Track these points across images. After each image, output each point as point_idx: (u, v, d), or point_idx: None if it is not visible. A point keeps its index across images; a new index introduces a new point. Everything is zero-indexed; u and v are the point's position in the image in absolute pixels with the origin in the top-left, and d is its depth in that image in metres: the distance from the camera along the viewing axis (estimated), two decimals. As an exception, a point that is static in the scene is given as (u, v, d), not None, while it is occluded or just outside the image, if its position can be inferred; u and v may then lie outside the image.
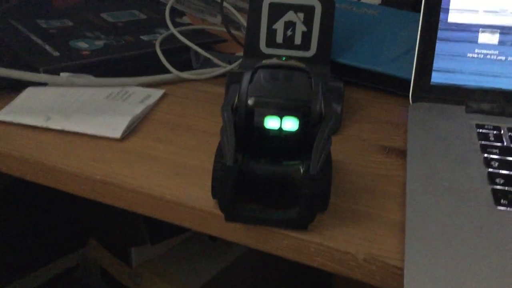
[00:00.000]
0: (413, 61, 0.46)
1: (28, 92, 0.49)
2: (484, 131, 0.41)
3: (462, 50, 0.46)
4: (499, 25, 0.45)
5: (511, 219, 0.32)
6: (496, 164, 0.37)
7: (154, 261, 0.80)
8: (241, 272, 0.83)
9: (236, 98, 0.34)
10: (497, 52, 0.45)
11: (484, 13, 0.45)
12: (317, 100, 0.33)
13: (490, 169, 0.36)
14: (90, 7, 0.68)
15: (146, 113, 0.47)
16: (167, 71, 0.53)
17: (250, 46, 0.49)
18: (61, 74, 0.50)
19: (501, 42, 0.45)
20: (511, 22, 0.45)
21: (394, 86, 0.51)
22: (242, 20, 0.60)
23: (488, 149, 0.38)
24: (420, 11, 0.46)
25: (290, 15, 0.48)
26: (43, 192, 0.56)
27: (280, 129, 0.33)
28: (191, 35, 0.60)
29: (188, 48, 0.56)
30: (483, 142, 0.39)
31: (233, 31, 0.57)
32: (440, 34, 0.46)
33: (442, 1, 0.46)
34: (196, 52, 0.56)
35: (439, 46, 0.46)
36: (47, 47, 0.54)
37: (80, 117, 0.44)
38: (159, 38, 0.57)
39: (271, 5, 0.47)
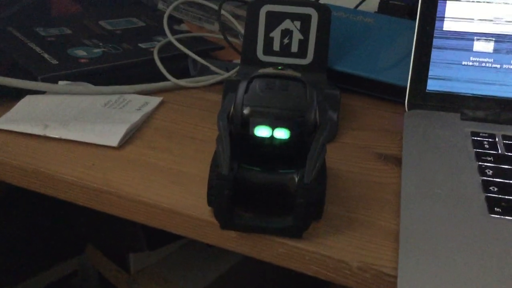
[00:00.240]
0: (409, 69, 0.47)
1: (26, 100, 0.49)
2: (479, 138, 0.41)
3: (458, 58, 0.46)
4: (494, 33, 0.45)
5: (505, 227, 0.32)
6: (491, 172, 0.37)
7: (152, 268, 0.80)
8: (239, 278, 0.83)
9: (232, 107, 0.34)
10: (492, 60, 0.46)
11: (479, 22, 0.46)
12: (311, 109, 0.33)
13: (484, 177, 0.36)
14: (89, 15, 0.68)
15: (143, 120, 0.47)
16: (165, 78, 0.54)
17: (248, 53, 0.49)
18: (59, 82, 0.51)
19: (496, 50, 0.46)
20: (506, 31, 0.45)
21: (390, 94, 0.52)
22: (240, 28, 0.61)
23: (483, 157, 0.39)
24: (416, 19, 0.46)
25: (287, 23, 0.48)
26: (41, 198, 0.56)
27: (272, 138, 0.33)
28: (189, 42, 0.60)
29: (185, 55, 0.56)
30: (477, 150, 0.40)
31: (231, 39, 0.57)
32: (435, 42, 0.46)
33: (438, 10, 0.46)
34: (194, 60, 0.56)
35: (434, 54, 0.46)
36: (46, 55, 0.55)
37: (77, 125, 0.45)
38: (157, 45, 0.57)
39: (268, 13, 0.48)
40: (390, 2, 0.60)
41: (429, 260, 0.29)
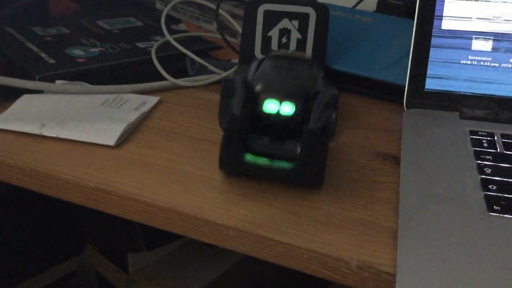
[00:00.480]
0: (407, 68, 0.46)
1: (24, 99, 0.49)
2: (477, 137, 0.41)
3: (456, 57, 0.46)
4: (492, 32, 0.45)
5: (503, 225, 0.32)
6: (489, 170, 0.37)
7: (151, 268, 0.80)
8: (238, 277, 0.83)
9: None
10: (490, 58, 0.46)
11: (477, 20, 0.46)
12: (316, 87, 0.37)
13: (483, 176, 0.36)
14: (87, 15, 0.68)
15: (141, 120, 0.47)
16: (162, 78, 0.54)
17: (246, 53, 0.49)
18: (57, 81, 0.50)
19: (494, 49, 0.45)
20: (504, 29, 0.45)
21: (388, 93, 0.51)
22: (238, 27, 0.61)
23: (482, 156, 0.39)
24: (414, 18, 0.46)
25: (285, 23, 0.48)
26: (39, 198, 0.56)
27: (279, 112, 0.36)
28: (187, 42, 0.60)
29: (183, 55, 0.56)
30: (476, 149, 0.40)
31: (229, 38, 0.57)
32: (434, 41, 0.46)
33: (436, 8, 0.46)
34: (192, 59, 0.56)
35: (433, 52, 0.46)
36: (43, 55, 0.55)
37: (75, 125, 0.44)
38: (155, 45, 0.57)
39: (266, 12, 0.48)
40: (388, 1, 0.60)
41: (428, 258, 0.29)
